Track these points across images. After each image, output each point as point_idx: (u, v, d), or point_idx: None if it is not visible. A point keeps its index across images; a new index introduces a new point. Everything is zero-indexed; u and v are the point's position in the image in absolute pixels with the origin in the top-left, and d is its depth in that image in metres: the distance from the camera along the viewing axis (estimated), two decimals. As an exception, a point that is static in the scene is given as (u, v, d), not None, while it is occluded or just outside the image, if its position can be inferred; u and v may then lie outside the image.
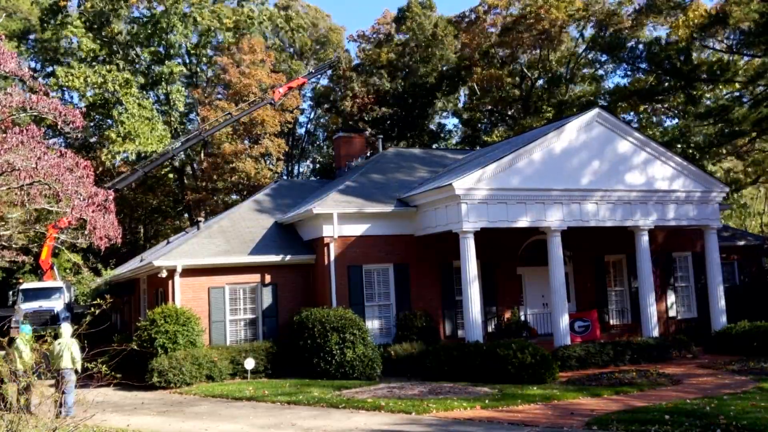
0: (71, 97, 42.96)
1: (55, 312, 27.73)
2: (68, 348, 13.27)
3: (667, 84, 36.38)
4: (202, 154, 42.61)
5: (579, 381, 16.18)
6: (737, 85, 34.91)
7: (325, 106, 51.45)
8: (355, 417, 12.38)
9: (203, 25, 40.38)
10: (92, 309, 9.17)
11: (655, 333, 20.61)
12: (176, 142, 34.60)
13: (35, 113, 13.51)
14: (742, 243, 26.73)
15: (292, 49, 51.15)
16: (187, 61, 43.84)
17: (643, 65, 36.58)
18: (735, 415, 10.82)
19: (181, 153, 36.81)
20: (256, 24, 42.54)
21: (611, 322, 23.10)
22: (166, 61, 39.54)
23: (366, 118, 44.85)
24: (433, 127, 49.67)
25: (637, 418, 11.15)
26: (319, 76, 46.18)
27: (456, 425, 11.47)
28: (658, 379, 15.89)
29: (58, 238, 25.73)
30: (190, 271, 19.51)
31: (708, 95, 38.31)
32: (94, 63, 37.82)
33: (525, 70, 45.08)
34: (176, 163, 42.49)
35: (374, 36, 49.57)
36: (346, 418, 12.27)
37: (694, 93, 36.31)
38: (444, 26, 45.13)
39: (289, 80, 38.79)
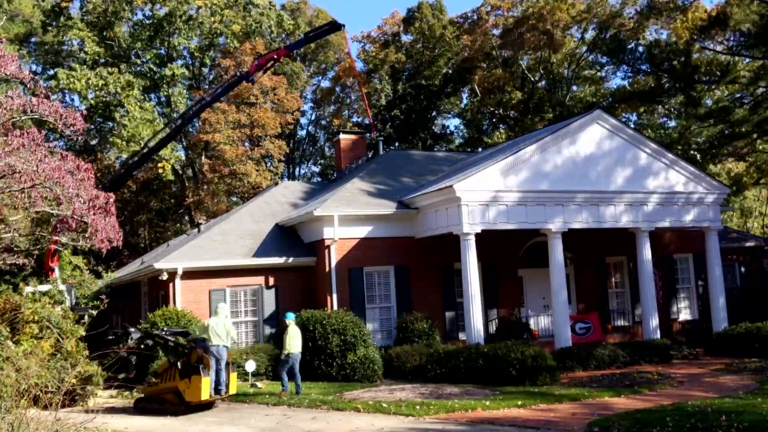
0: (72, 100, 43.01)
1: (56, 315, 27.67)
2: (225, 325, 14.13)
3: (667, 85, 36.39)
4: (203, 157, 42.62)
5: (580, 383, 16.16)
6: (738, 87, 34.89)
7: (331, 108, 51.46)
8: (356, 420, 12.37)
9: (207, 28, 40.35)
10: (91, 311, 9.23)
11: (656, 335, 20.60)
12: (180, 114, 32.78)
13: (36, 116, 13.53)
14: (750, 244, 26.75)
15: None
16: (189, 63, 43.86)
17: (644, 66, 36.59)
18: (736, 416, 10.80)
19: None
20: (264, 27, 42.43)
21: (612, 323, 23.08)
22: (168, 64, 39.57)
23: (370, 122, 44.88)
24: (435, 129, 49.69)
25: (637, 420, 11.13)
26: (309, 43, 36.79)
27: (457, 426, 11.46)
28: (660, 381, 15.89)
29: (59, 241, 25.70)
30: (190, 274, 19.51)
31: (708, 96, 38.31)
32: (95, 65, 37.85)
33: (527, 72, 45.10)
34: (177, 166, 42.47)
35: (380, 37, 49.46)
36: (347, 421, 12.26)
37: (694, 94, 36.31)
38: (450, 29, 45.22)
39: (270, 54, 33.04)
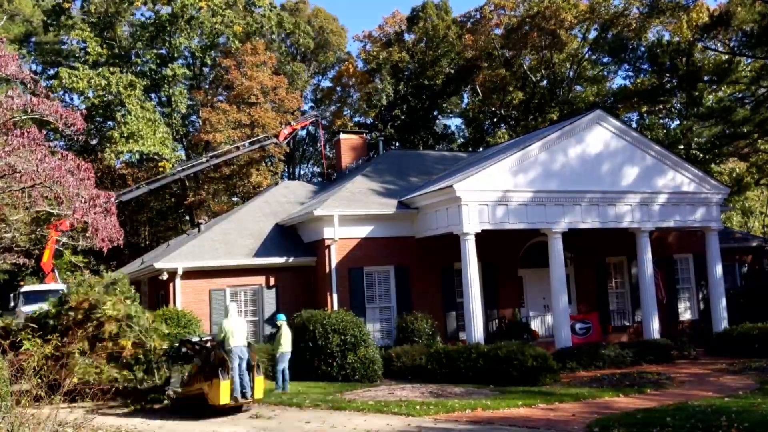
0: (72, 99, 43.05)
1: (57, 314, 27.68)
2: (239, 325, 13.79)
3: (669, 85, 36.37)
4: (204, 158, 42.66)
5: (581, 383, 16.15)
6: (740, 87, 34.87)
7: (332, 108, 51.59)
8: (356, 420, 12.36)
9: (208, 29, 40.35)
10: None
11: (656, 335, 20.58)
12: (182, 165, 35.17)
13: (37, 116, 13.54)
14: (752, 244, 26.74)
15: (294, 50, 51.20)
16: (191, 62, 43.87)
17: (645, 66, 36.59)
18: (737, 416, 10.79)
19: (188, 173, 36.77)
20: (265, 28, 42.48)
21: (612, 323, 23.07)
22: (169, 64, 39.57)
23: (371, 121, 44.92)
24: (437, 129, 49.67)
25: (638, 419, 11.12)
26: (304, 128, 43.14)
27: (457, 426, 11.45)
28: (660, 381, 15.87)
29: (60, 240, 25.75)
30: (191, 274, 19.51)
31: (710, 96, 38.29)
32: (97, 65, 37.86)
33: (529, 72, 45.08)
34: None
35: (381, 36, 49.41)
36: (348, 421, 12.25)
37: (696, 94, 36.30)
38: (454, 29, 45.21)
39: (296, 121, 38.02)
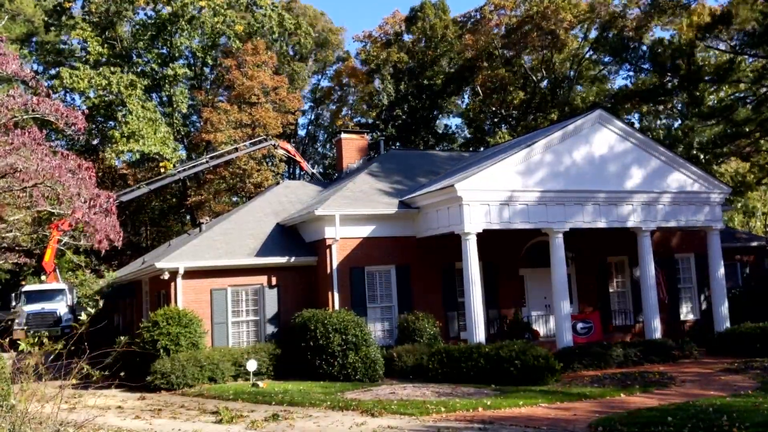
0: (73, 99, 43.07)
1: (58, 314, 27.74)
2: None
3: (670, 85, 36.34)
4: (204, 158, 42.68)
5: (582, 382, 16.14)
6: (742, 86, 34.82)
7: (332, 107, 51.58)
8: (357, 419, 12.36)
9: (209, 28, 40.35)
10: (89, 310, 9.19)
11: (658, 334, 20.56)
12: (182, 165, 35.44)
13: (38, 115, 13.55)
14: (754, 244, 26.71)
15: (292, 50, 51.23)
16: (192, 62, 43.89)
17: (646, 66, 36.55)
18: (738, 416, 10.77)
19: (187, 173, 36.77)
20: (266, 28, 42.50)
21: (613, 323, 23.05)
22: (170, 64, 39.58)
23: (371, 121, 44.89)
24: (438, 129, 49.68)
25: (639, 419, 11.11)
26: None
27: (459, 425, 11.44)
28: (661, 380, 15.85)
29: (61, 240, 25.77)
30: (192, 273, 19.50)
31: (712, 96, 38.25)
32: (98, 65, 37.89)
33: (529, 72, 45.06)
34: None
35: (382, 36, 49.42)
36: (348, 420, 12.24)
37: (697, 94, 36.23)
38: (453, 29, 45.21)
39: (299, 155, 39.74)
